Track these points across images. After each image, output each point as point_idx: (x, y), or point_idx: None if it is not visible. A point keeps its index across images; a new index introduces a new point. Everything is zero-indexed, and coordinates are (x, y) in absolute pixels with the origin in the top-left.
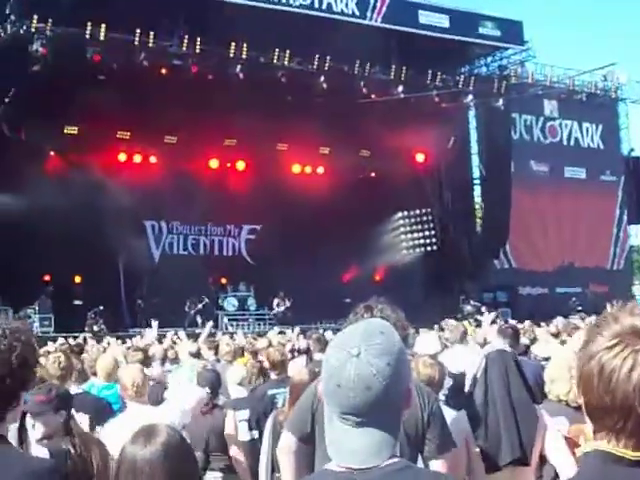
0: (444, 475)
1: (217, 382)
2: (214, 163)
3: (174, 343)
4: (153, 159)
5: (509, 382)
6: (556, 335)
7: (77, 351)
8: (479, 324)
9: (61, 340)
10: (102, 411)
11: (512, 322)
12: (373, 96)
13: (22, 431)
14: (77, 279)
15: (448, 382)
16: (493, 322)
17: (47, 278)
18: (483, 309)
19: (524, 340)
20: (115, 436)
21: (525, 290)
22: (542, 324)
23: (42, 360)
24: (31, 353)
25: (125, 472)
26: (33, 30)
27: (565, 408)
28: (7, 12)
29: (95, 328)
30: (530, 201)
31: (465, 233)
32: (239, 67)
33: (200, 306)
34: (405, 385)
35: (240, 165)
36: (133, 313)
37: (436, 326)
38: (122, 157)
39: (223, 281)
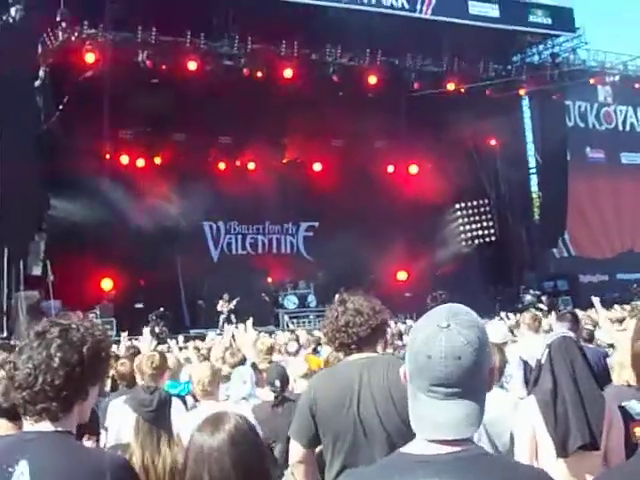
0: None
1: (286, 376)
2: (270, 161)
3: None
4: (208, 159)
5: (574, 367)
6: (620, 321)
7: (137, 352)
8: (540, 313)
9: (127, 343)
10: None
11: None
12: (426, 89)
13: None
14: (138, 282)
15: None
16: (551, 309)
17: (108, 283)
18: (543, 298)
19: (588, 327)
20: (184, 432)
21: (586, 278)
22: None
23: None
24: (103, 348)
25: (193, 460)
26: (84, 36)
27: (635, 392)
28: (58, 19)
29: (157, 330)
30: (587, 188)
31: (523, 223)
32: (290, 65)
33: (233, 305)
34: (490, 364)
35: (296, 163)
36: (194, 314)
37: (497, 317)
38: (178, 159)
39: (283, 279)
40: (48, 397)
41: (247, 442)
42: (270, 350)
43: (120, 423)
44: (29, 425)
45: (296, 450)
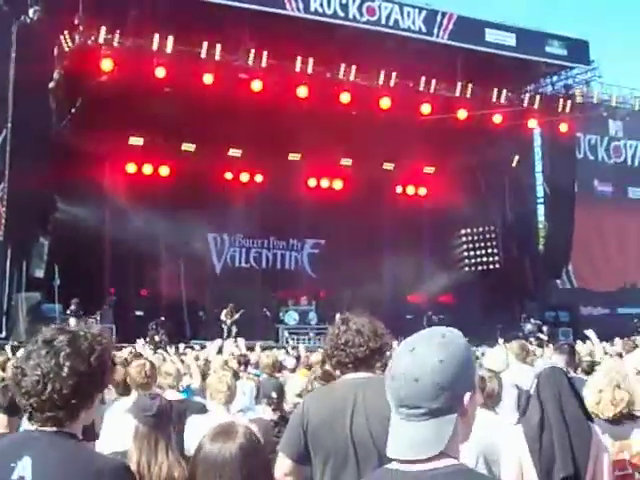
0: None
1: (282, 391)
2: (278, 177)
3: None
4: (217, 171)
5: (561, 398)
6: (620, 355)
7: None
8: (540, 343)
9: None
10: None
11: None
12: (437, 113)
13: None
14: (140, 290)
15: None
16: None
17: (112, 289)
18: (544, 328)
19: (588, 358)
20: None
21: (587, 310)
22: (603, 343)
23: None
24: (110, 357)
25: (203, 470)
26: (101, 42)
27: (597, 420)
28: (76, 22)
29: (156, 338)
30: (593, 221)
31: (527, 252)
32: (304, 82)
33: (237, 316)
34: (461, 390)
35: (305, 179)
36: (195, 325)
37: (497, 344)
38: (186, 169)
39: (284, 295)
40: (56, 405)
41: (256, 454)
42: (274, 366)
43: (113, 431)
44: (33, 425)
45: (284, 464)
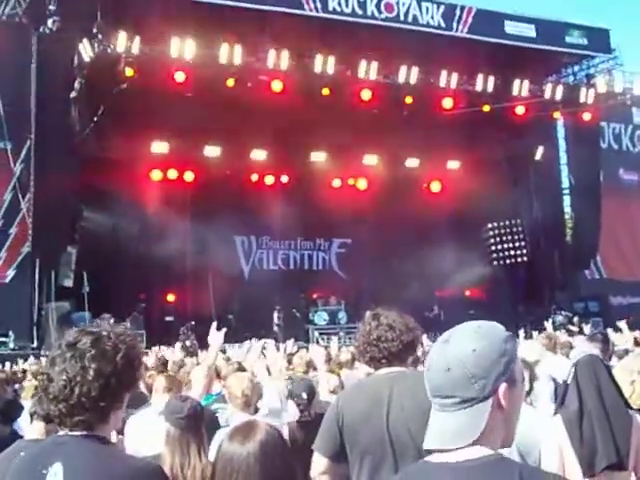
0: (537, 470)
1: (313, 390)
2: (303, 177)
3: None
4: (241, 174)
5: (600, 386)
6: None
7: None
8: (571, 334)
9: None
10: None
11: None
12: (459, 108)
13: None
14: (169, 297)
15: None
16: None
17: (141, 295)
18: (575, 319)
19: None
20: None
21: (616, 300)
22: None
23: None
24: (136, 356)
25: (222, 468)
26: (120, 49)
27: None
28: (95, 31)
29: (187, 343)
30: (619, 210)
31: (555, 243)
32: (325, 82)
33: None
34: (496, 380)
35: (330, 178)
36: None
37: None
38: (210, 173)
39: (314, 295)
40: (85, 409)
41: (277, 454)
42: (308, 365)
43: (140, 435)
44: (63, 430)
45: (320, 463)
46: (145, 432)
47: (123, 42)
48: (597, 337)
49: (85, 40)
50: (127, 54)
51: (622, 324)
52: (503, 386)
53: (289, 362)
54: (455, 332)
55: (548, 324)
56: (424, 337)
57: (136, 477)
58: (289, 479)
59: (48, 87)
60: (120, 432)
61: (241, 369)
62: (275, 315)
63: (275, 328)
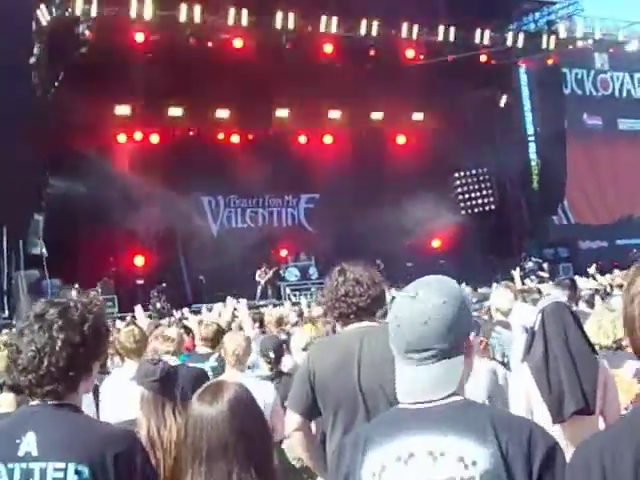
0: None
1: (280, 349)
2: (268, 134)
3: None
4: (206, 133)
5: (566, 333)
6: (621, 287)
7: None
8: (541, 280)
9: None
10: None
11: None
12: (422, 58)
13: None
14: (139, 259)
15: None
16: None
17: (111, 259)
18: (545, 265)
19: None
20: None
21: (585, 244)
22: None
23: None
24: (103, 324)
25: (192, 427)
26: (78, 13)
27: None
28: None
29: (158, 306)
30: (585, 155)
31: (522, 191)
32: (286, 37)
33: (271, 274)
34: (464, 331)
35: (295, 134)
36: (195, 289)
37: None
38: (174, 134)
39: (284, 252)
40: (54, 379)
41: (246, 412)
42: (279, 322)
43: (114, 400)
44: (34, 400)
45: (293, 420)
46: (119, 396)
47: (81, 5)
48: (565, 283)
49: (42, 5)
50: (85, 17)
51: (592, 270)
52: (472, 335)
53: (260, 321)
54: (420, 286)
55: (516, 273)
56: (393, 290)
57: (108, 444)
58: (259, 436)
59: (6, 54)
60: (94, 394)
61: (220, 330)
62: (257, 273)
63: (258, 287)
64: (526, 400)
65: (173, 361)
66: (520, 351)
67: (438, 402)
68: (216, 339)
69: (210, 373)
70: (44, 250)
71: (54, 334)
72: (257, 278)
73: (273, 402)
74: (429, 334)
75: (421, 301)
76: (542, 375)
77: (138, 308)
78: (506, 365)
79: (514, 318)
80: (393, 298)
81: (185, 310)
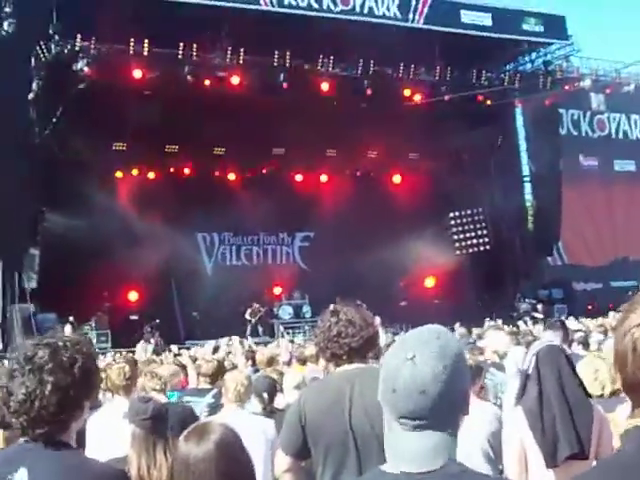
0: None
1: (273, 389)
2: (264, 172)
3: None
4: (202, 170)
5: (561, 376)
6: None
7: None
8: (535, 321)
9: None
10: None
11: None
12: (418, 98)
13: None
14: (133, 295)
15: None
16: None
17: (105, 295)
18: (539, 307)
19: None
20: None
21: (580, 285)
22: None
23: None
24: (93, 364)
25: (178, 468)
26: (77, 49)
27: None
28: (51, 32)
29: (152, 341)
30: (580, 196)
31: (517, 231)
32: (283, 76)
33: (262, 313)
34: (464, 389)
35: (291, 172)
36: (189, 326)
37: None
38: (170, 171)
39: (278, 290)
40: (45, 422)
41: (233, 453)
42: (270, 361)
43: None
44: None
45: (283, 461)
46: (107, 432)
47: (79, 42)
48: (556, 325)
49: (42, 42)
50: (84, 54)
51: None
52: (470, 394)
53: (253, 359)
54: (418, 347)
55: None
56: (391, 331)
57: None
58: (245, 477)
59: (5, 89)
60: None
61: (220, 366)
62: (248, 311)
63: (248, 325)
64: (520, 444)
65: (161, 399)
66: (513, 394)
67: (432, 473)
68: (216, 375)
69: (206, 409)
70: (33, 283)
71: (44, 377)
72: (247, 316)
73: (274, 438)
74: (426, 404)
75: (419, 367)
76: (536, 418)
77: (140, 345)
78: (499, 407)
79: (508, 361)
80: (393, 341)
81: (174, 347)
